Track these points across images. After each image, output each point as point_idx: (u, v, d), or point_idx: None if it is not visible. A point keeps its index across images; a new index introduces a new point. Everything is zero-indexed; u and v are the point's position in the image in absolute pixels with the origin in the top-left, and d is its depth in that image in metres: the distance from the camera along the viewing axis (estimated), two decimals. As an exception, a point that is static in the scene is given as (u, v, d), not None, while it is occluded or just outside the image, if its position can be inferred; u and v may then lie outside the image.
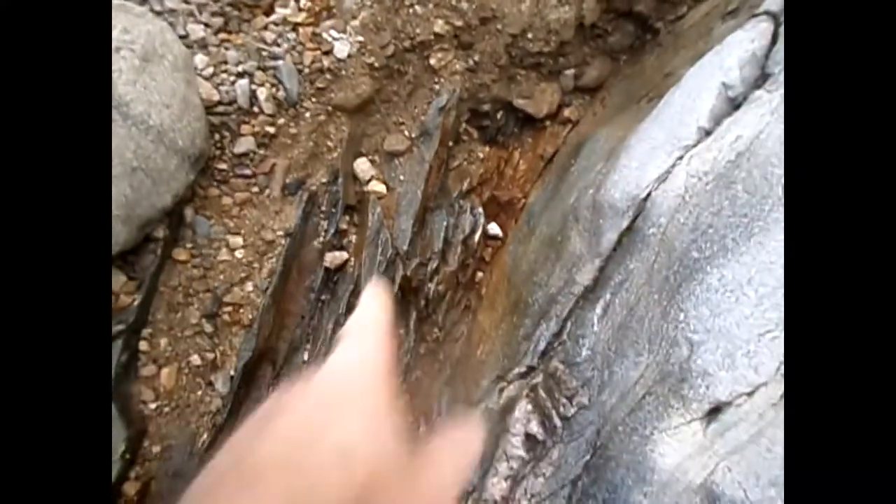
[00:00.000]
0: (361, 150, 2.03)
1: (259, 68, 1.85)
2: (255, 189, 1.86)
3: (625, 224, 1.42)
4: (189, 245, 1.77)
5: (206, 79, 1.79)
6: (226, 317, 1.77)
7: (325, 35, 1.90)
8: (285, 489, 0.26)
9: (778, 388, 1.06)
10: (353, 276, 1.95)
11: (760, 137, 1.22)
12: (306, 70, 1.88)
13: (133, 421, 1.59)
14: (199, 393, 1.70)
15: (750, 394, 1.09)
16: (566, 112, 2.20)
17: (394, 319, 0.35)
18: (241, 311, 1.78)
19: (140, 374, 1.65)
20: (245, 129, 1.84)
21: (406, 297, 2.00)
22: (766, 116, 1.23)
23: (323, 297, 1.94)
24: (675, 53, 1.90)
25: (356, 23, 1.92)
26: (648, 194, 1.38)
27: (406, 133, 2.06)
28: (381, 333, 0.34)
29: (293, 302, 1.89)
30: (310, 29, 1.90)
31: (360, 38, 1.92)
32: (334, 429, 0.29)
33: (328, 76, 1.91)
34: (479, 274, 2.12)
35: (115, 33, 1.50)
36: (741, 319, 1.12)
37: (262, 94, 1.84)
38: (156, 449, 1.61)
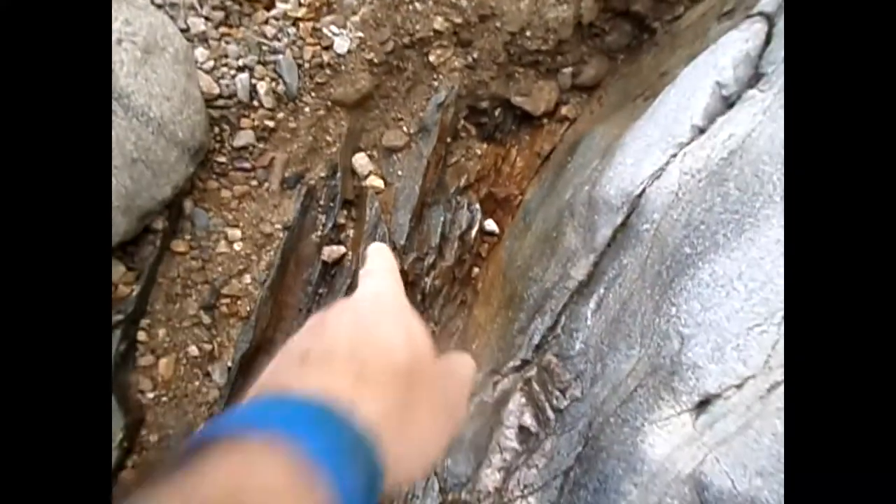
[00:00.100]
0: (360, 145, 2.05)
1: (259, 62, 1.86)
2: (254, 182, 1.88)
3: (619, 220, 1.44)
4: (188, 237, 1.78)
5: (207, 72, 1.80)
6: (224, 308, 1.79)
7: (325, 30, 1.92)
8: (352, 366, 0.32)
9: (765, 381, 1.09)
10: (350, 270, 1.97)
11: (752, 136, 1.24)
12: (306, 65, 1.90)
13: (131, 410, 1.61)
14: (197, 383, 1.72)
15: (738, 386, 1.11)
16: (564, 110, 2.22)
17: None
18: (239, 302, 1.80)
19: (138, 363, 1.67)
20: (245, 122, 1.86)
21: (403, 291, 2.02)
22: (758, 115, 1.26)
23: (320, 291, 1.96)
24: (672, 53, 1.92)
25: (356, 18, 1.93)
26: (643, 191, 1.40)
27: (404, 129, 2.08)
28: (395, 275, 0.41)
29: (291, 294, 1.91)
30: (310, 24, 1.91)
31: (360, 34, 1.93)
32: (380, 327, 0.35)
33: (328, 71, 1.92)
34: (476, 269, 2.14)
35: (116, 25, 1.51)
36: (731, 313, 1.15)
37: (261, 88, 1.85)
38: (153, 438, 1.63)
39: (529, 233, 1.90)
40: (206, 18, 1.84)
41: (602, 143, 1.75)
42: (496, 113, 2.20)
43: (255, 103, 1.86)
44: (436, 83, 2.08)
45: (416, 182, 2.03)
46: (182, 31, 1.75)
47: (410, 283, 2.02)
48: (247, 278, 1.81)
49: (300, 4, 1.92)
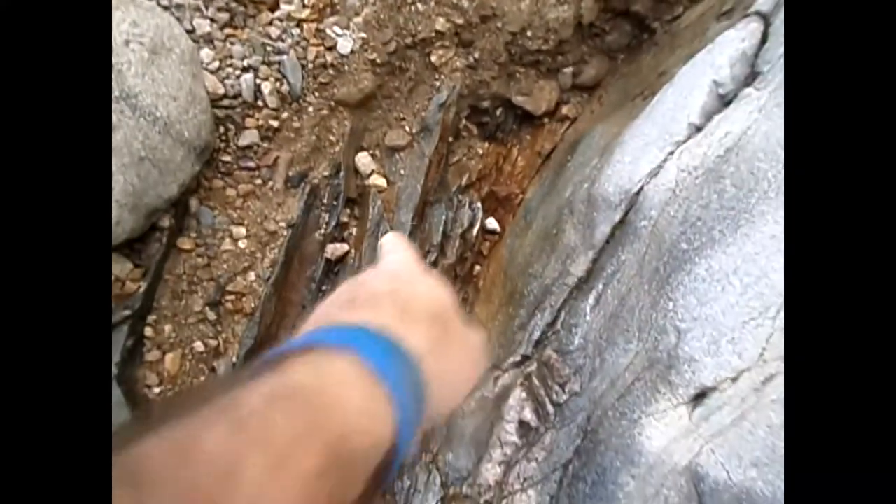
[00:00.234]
0: (363, 144, 2.08)
1: (264, 63, 1.89)
2: (259, 181, 1.91)
3: (618, 217, 1.46)
4: (194, 234, 1.81)
5: (212, 72, 1.83)
6: (229, 305, 1.81)
7: (328, 31, 1.95)
8: (395, 308, 0.36)
9: (760, 374, 1.10)
10: (353, 268, 2.00)
11: (748, 133, 1.26)
12: (310, 65, 1.93)
13: (138, 404, 1.63)
14: (203, 378, 1.75)
15: (734, 379, 1.13)
16: (564, 109, 2.24)
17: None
18: (244, 299, 1.83)
19: (145, 359, 1.70)
20: (249, 122, 1.89)
21: (405, 288, 2.04)
22: (754, 113, 1.27)
23: (324, 288, 1.98)
24: (671, 53, 1.94)
25: (359, 19, 1.96)
26: (641, 188, 1.42)
27: (407, 128, 2.10)
28: (413, 252, 0.45)
29: (294, 291, 1.94)
30: (314, 25, 1.94)
31: (363, 35, 1.96)
32: (414, 281, 0.40)
33: (331, 71, 1.95)
34: (477, 267, 2.16)
35: (124, 27, 1.54)
36: (726, 308, 1.16)
37: (266, 88, 1.88)
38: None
39: (530, 231, 1.92)
40: (212, 20, 1.87)
41: (602, 142, 1.77)
42: (497, 112, 2.22)
43: (260, 103, 1.89)
44: (438, 83, 2.10)
45: (419, 181, 2.05)
46: (188, 32, 1.78)
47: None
48: (251, 275, 1.84)
49: (304, 6, 1.95)
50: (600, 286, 1.46)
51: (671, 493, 1.17)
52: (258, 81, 1.88)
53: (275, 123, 1.91)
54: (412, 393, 0.32)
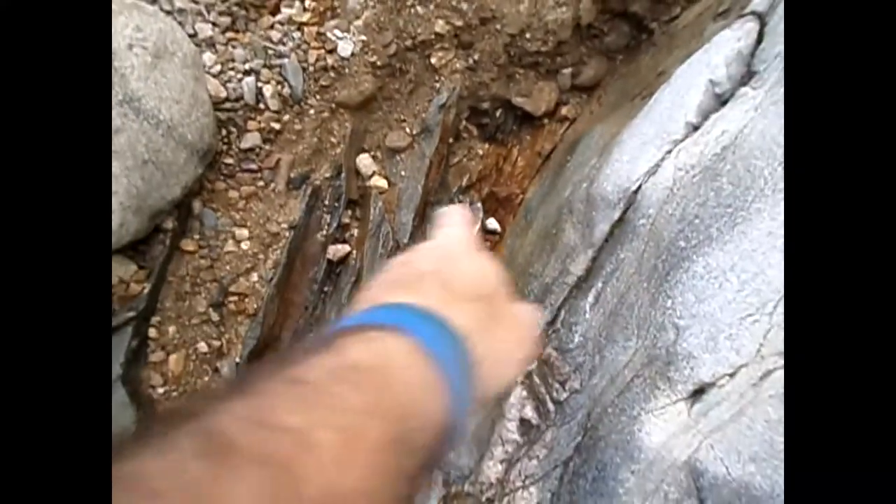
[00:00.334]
0: (364, 146, 2.09)
1: (265, 66, 1.91)
2: (261, 183, 1.93)
3: (616, 216, 1.48)
4: (197, 236, 1.83)
5: (214, 76, 1.85)
6: (231, 306, 1.83)
7: (329, 34, 1.97)
8: (442, 289, 0.36)
9: (758, 369, 1.11)
10: (354, 268, 2.01)
11: (745, 132, 1.27)
12: (311, 68, 1.94)
13: (142, 405, 1.65)
14: (206, 379, 1.76)
15: (731, 374, 1.14)
16: (564, 110, 2.25)
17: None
18: (247, 300, 1.84)
19: (149, 359, 1.71)
20: (251, 124, 1.91)
21: (406, 288, 2.05)
22: (750, 112, 1.29)
23: (326, 289, 2.00)
24: (669, 53, 1.95)
25: (359, 22, 1.98)
26: (639, 187, 1.44)
27: (407, 130, 2.12)
28: (469, 227, 0.44)
29: (297, 292, 1.95)
30: (314, 28, 1.96)
31: (363, 38, 1.98)
32: (462, 260, 0.39)
33: (332, 74, 1.97)
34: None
35: (127, 31, 1.56)
36: (724, 304, 1.18)
37: (267, 91, 1.90)
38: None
39: (530, 230, 1.93)
40: (214, 24, 1.89)
41: (600, 142, 1.78)
42: (497, 113, 2.24)
43: (262, 106, 1.91)
44: (437, 85, 2.12)
45: (419, 182, 2.07)
46: (190, 36, 1.80)
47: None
48: (254, 276, 1.86)
49: (305, 9, 1.97)
50: (600, 284, 1.47)
51: (671, 489, 1.18)
52: (260, 84, 1.90)
53: (276, 126, 1.92)
54: (461, 373, 0.32)
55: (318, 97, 1.97)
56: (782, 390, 1.08)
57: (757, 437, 1.09)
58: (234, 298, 1.83)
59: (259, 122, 1.91)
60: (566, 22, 2.09)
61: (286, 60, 1.92)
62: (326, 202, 2.01)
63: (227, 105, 1.87)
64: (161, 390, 1.71)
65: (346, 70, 1.98)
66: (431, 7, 2.03)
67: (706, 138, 1.34)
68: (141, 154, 1.57)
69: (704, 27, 1.82)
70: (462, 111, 2.18)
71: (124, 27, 1.56)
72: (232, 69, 1.88)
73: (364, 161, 2.07)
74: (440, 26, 2.04)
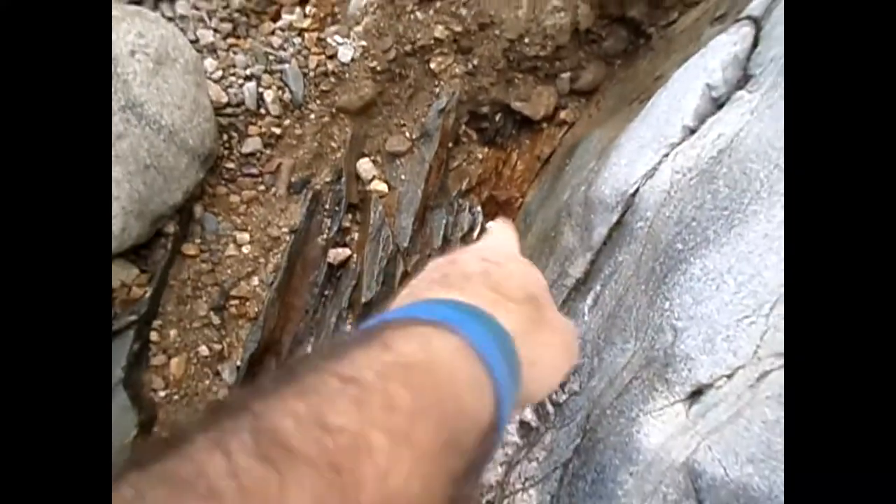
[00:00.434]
0: (364, 150, 2.11)
1: (266, 72, 1.93)
2: (262, 187, 1.94)
3: (614, 219, 1.49)
4: (198, 240, 1.84)
5: (216, 81, 1.87)
6: (233, 310, 1.84)
7: (329, 40, 1.98)
8: (488, 288, 0.35)
9: (755, 370, 1.12)
10: (355, 272, 2.02)
11: (741, 135, 1.28)
12: (311, 73, 1.96)
13: (144, 408, 1.66)
14: (207, 382, 1.77)
15: (729, 376, 1.15)
16: (562, 114, 2.27)
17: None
18: (248, 304, 1.85)
19: (151, 363, 1.72)
20: (252, 129, 1.92)
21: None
22: (746, 115, 1.30)
23: (326, 292, 2.01)
24: (667, 57, 1.96)
25: (359, 28, 2.00)
26: (636, 190, 1.45)
27: (407, 134, 2.13)
28: (515, 237, 0.44)
29: (297, 296, 1.96)
30: (315, 34, 1.98)
31: (363, 43, 2.00)
32: (509, 263, 0.39)
33: (332, 79, 1.99)
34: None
35: (130, 38, 1.58)
36: (721, 306, 1.18)
37: (268, 96, 1.92)
38: (165, 435, 1.68)
39: (530, 234, 1.94)
40: (215, 30, 1.91)
41: (599, 146, 1.80)
42: (496, 118, 2.25)
43: (263, 111, 1.92)
44: (437, 89, 2.13)
45: (419, 186, 2.08)
46: (192, 42, 1.82)
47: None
48: (255, 280, 1.87)
49: (305, 15, 1.99)
50: (598, 287, 1.48)
51: (669, 490, 1.18)
52: (261, 90, 1.91)
53: (277, 131, 1.94)
54: (508, 374, 0.31)
55: (318, 102, 1.99)
56: (779, 391, 1.09)
57: (754, 438, 1.10)
58: (235, 302, 1.84)
59: (260, 127, 1.92)
60: (564, 27, 2.11)
61: (287, 66, 1.93)
62: (327, 206, 2.02)
63: (229, 110, 1.89)
64: (162, 393, 1.72)
65: (347, 75, 1.99)
66: (431, 13, 2.05)
67: (703, 142, 1.35)
68: (143, 159, 1.59)
69: (701, 32, 1.84)
70: (461, 116, 2.20)
71: (127, 33, 1.58)
72: (233, 75, 1.90)
73: (364, 165, 2.09)
74: (439, 32, 2.06)
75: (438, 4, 2.04)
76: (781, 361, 1.11)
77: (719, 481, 1.11)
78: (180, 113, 1.66)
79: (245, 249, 1.88)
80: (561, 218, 1.70)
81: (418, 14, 2.05)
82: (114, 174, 1.53)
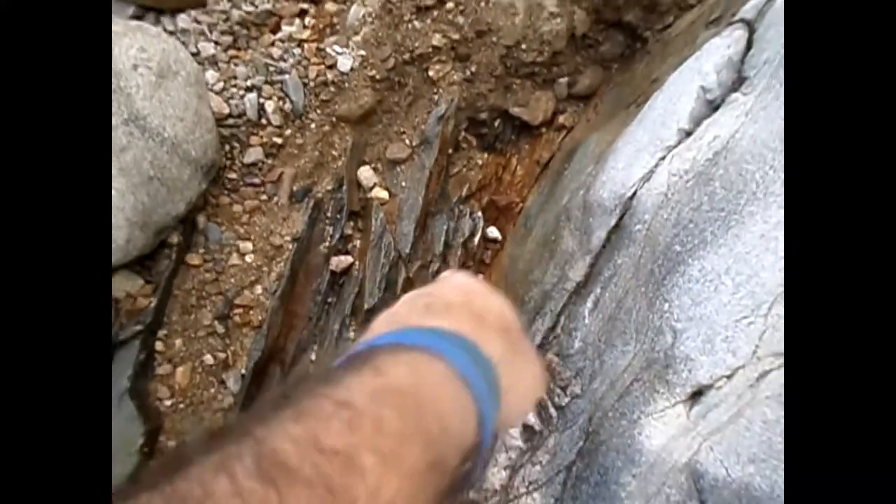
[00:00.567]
0: (365, 158, 2.13)
1: (267, 82, 1.95)
2: (264, 197, 1.96)
3: (613, 222, 1.50)
4: (202, 250, 1.86)
5: (217, 93, 1.89)
6: (237, 318, 1.86)
7: (328, 50, 2.01)
8: (469, 314, 0.37)
9: (754, 370, 1.13)
10: (357, 279, 2.04)
11: (736, 137, 1.29)
12: (311, 83, 1.98)
13: (150, 417, 1.67)
14: (212, 391, 1.78)
15: (729, 376, 1.15)
16: (561, 119, 2.28)
17: None
18: (252, 312, 1.87)
19: (156, 372, 1.74)
20: (254, 140, 1.95)
21: (409, 298, 2.07)
22: (741, 117, 1.31)
23: (329, 300, 2.02)
24: (663, 61, 1.98)
25: (358, 38, 2.02)
26: (634, 193, 1.46)
27: (407, 142, 2.15)
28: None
29: (300, 304, 1.98)
30: (314, 45, 2.01)
31: (362, 53, 2.02)
32: (487, 296, 0.41)
33: (332, 89, 2.01)
34: (480, 275, 2.20)
35: (132, 52, 1.61)
36: (720, 307, 1.19)
37: (269, 106, 1.94)
38: (171, 444, 1.69)
39: (530, 238, 1.95)
40: (216, 43, 1.94)
41: (597, 150, 1.81)
42: (495, 124, 2.27)
43: (264, 121, 1.95)
44: (436, 97, 2.15)
45: (420, 192, 2.10)
46: (193, 55, 1.85)
47: (416, 291, 2.07)
48: (258, 289, 1.89)
49: (304, 26, 2.02)
50: (598, 290, 1.49)
51: (672, 491, 1.18)
52: (262, 100, 1.94)
53: (278, 140, 1.96)
54: (490, 398, 0.33)
55: (318, 111, 2.01)
56: (779, 391, 1.09)
57: (755, 437, 1.10)
58: (239, 311, 1.86)
59: (261, 137, 1.95)
60: (561, 33, 2.12)
61: (287, 76, 1.96)
62: (329, 214, 2.04)
63: (230, 121, 1.91)
64: (168, 402, 1.73)
65: (346, 84, 2.01)
66: (428, 21, 2.07)
67: (699, 144, 1.36)
68: (146, 171, 1.61)
69: (697, 35, 1.85)
70: (461, 122, 2.22)
71: (129, 48, 1.61)
72: (234, 86, 1.92)
73: (365, 173, 2.11)
74: (437, 40, 2.08)
75: (436, 13, 2.06)
76: (780, 361, 1.12)
77: (721, 482, 1.12)
78: (183, 125, 1.68)
79: (248, 258, 1.90)
80: (560, 222, 1.71)
81: (416, 23, 2.07)
82: (118, 186, 1.56)
